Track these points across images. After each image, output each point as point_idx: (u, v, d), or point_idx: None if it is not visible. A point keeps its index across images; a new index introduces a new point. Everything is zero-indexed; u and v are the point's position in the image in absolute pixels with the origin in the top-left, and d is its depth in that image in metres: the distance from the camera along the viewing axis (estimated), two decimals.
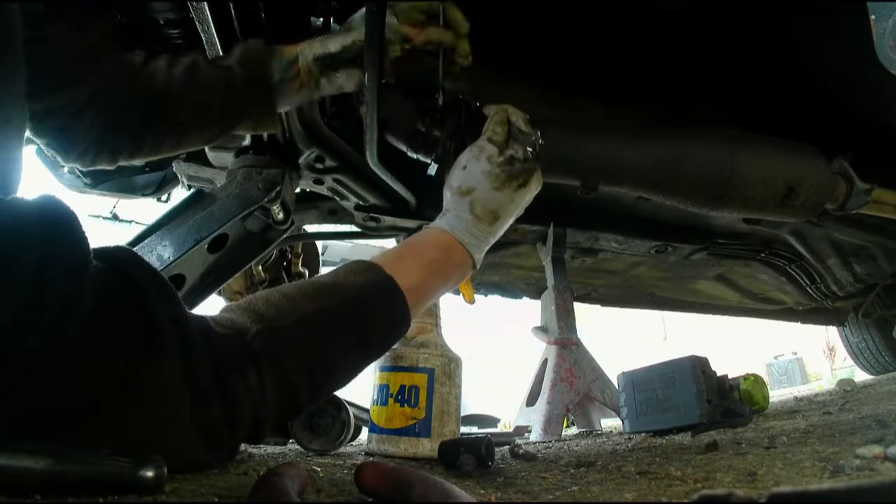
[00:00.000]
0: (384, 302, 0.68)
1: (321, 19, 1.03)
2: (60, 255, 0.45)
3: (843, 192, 1.13)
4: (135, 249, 1.13)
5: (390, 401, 1.08)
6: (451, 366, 1.14)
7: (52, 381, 0.43)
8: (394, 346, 1.14)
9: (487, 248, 0.83)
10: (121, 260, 0.52)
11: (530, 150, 0.84)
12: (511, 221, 0.85)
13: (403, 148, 1.02)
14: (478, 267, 0.82)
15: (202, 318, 0.56)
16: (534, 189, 0.86)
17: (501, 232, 0.84)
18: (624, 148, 1.05)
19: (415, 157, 1.01)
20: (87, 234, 0.48)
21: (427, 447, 1.02)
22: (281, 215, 1.22)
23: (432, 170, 0.98)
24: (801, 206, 1.11)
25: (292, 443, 1.15)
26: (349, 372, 0.66)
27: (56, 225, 0.46)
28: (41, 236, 0.44)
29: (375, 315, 0.67)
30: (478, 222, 0.80)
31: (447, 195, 0.84)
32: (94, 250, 0.50)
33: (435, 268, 0.76)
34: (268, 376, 0.55)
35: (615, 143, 1.06)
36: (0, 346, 0.40)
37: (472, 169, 0.82)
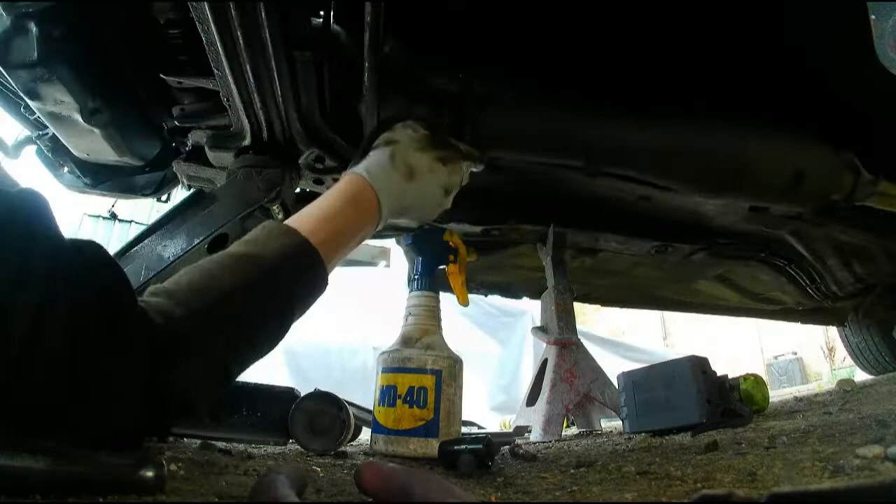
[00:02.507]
0: (303, 267, 0.69)
1: (321, 19, 1.03)
2: (42, 249, 0.46)
3: (850, 183, 1.13)
4: (135, 249, 1.13)
5: (398, 402, 1.08)
6: (456, 367, 1.14)
7: (34, 369, 0.44)
8: (399, 349, 1.15)
9: (397, 205, 0.84)
10: (88, 253, 0.54)
11: (458, 143, 0.92)
12: (425, 195, 0.87)
13: None
14: (384, 221, 0.82)
15: (141, 307, 0.57)
16: (452, 174, 0.90)
17: (415, 198, 0.86)
18: (629, 128, 1.03)
19: None
20: (59, 225, 0.50)
21: (436, 447, 1.02)
22: (281, 215, 1.22)
23: None
24: (808, 193, 1.10)
25: (292, 443, 1.15)
26: (274, 340, 0.67)
27: (36, 218, 0.48)
28: (24, 230, 0.46)
29: (295, 282, 0.69)
30: (394, 171, 0.83)
31: (374, 146, 0.88)
32: (70, 240, 0.52)
33: (348, 219, 0.77)
34: (195, 359, 0.57)
35: (620, 123, 1.03)
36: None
37: (398, 130, 0.89)
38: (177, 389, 0.55)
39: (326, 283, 0.72)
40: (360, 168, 0.82)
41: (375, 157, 0.84)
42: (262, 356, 0.66)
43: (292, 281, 0.68)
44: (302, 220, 0.73)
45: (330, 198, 0.78)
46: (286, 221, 0.73)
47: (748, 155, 1.04)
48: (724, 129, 1.05)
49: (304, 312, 0.72)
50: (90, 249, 0.54)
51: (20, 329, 0.43)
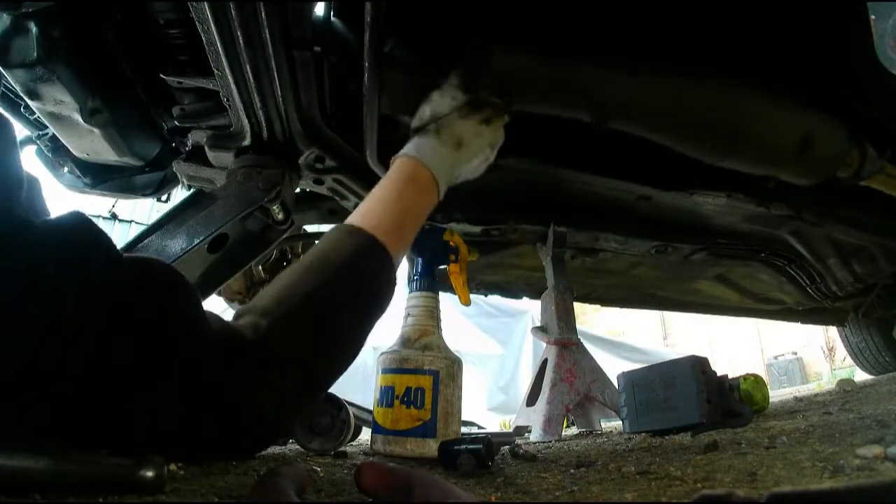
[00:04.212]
0: (374, 264, 0.69)
1: (321, 18, 1.03)
2: (75, 278, 0.45)
3: (857, 159, 1.12)
4: (135, 249, 1.13)
5: (396, 402, 1.08)
6: (454, 367, 1.14)
7: (65, 391, 0.43)
8: (397, 349, 1.15)
9: (452, 177, 0.85)
10: (151, 271, 0.53)
11: (497, 99, 0.92)
12: (473, 158, 0.87)
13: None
14: (441, 196, 0.83)
15: (228, 327, 0.56)
16: (496, 131, 0.91)
17: (465, 164, 0.86)
18: (637, 84, 1.02)
19: None
20: (109, 248, 0.48)
21: (433, 448, 1.03)
22: (281, 215, 1.22)
23: None
24: (815, 160, 1.08)
25: (292, 443, 1.15)
26: (358, 341, 0.67)
27: (74, 246, 0.46)
28: (57, 257, 0.44)
29: (369, 278, 0.68)
30: (441, 146, 0.83)
31: (414, 125, 0.88)
32: (130, 258, 0.51)
33: (409, 202, 0.77)
34: (289, 370, 0.56)
35: (628, 78, 1.02)
36: (25, 359, 0.41)
37: (437, 101, 0.88)
38: (272, 403, 0.54)
39: (395, 278, 0.72)
40: (410, 150, 0.81)
41: (420, 137, 0.84)
42: (349, 362, 0.66)
43: (366, 277, 0.68)
44: (365, 215, 0.73)
45: (387, 186, 0.78)
46: (352, 218, 0.72)
47: (755, 115, 1.03)
48: (732, 89, 1.04)
49: (381, 312, 0.71)
50: (158, 271, 0.53)
51: (87, 355, 0.43)
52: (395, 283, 0.72)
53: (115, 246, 0.49)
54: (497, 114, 0.91)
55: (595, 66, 1.03)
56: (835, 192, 1.29)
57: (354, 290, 0.66)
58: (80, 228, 0.48)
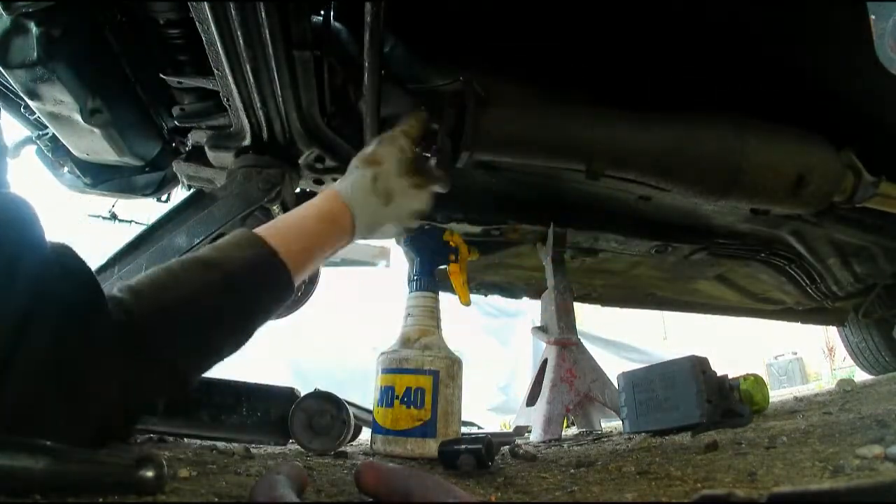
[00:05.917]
0: (267, 278, 0.70)
1: (321, 17, 1.03)
2: (31, 256, 0.48)
3: (851, 184, 1.13)
4: (135, 249, 1.13)
5: (396, 402, 1.08)
6: (455, 367, 1.14)
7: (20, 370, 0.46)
8: (397, 349, 1.15)
9: (370, 224, 0.83)
10: (65, 258, 0.55)
11: (441, 160, 0.93)
12: (397, 213, 0.86)
13: None
14: (356, 238, 0.83)
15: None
16: (425, 200, 0.89)
17: (384, 216, 0.85)
18: (631, 131, 1.03)
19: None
20: (38, 229, 0.51)
21: (433, 447, 1.03)
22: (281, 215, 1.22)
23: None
24: (810, 195, 1.09)
25: (292, 443, 1.15)
26: (232, 344, 0.68)
27: (28, 225, 0.49)
28: (15, 237, 0.48)
29: (256, 291, 0.70)
30: (372, 195, 0.82)
31: (354, 161, 0.86)
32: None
33: (322, 235, 0.78)
34: (146, 360, 0.58)
35: (621, 126, 1.03)
36: None
37: (386, 146, 0.86)
38: (113, 390, 0.55)
39: (291, 292, 0.73)
40: (345, 188, 0.82)
41: (357, 177, 0.83)
42: (220, 359, 0.68)
43: (253, 290, 0.69)
44: (276, 231, 0.74)
45: (307, 213, 0.79)
46: (261, 229, 0.73)
47: (749, 158, 1.04)
48: (724, 131, 1.05)
49: (266, 320, 0.73)
50: (66, 254, 0.55)
51: (8, 331, 0.45)
52: (288, 297, 0.73)
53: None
54: (427, 184, 0.88)
55: (587, 117, 1.03)
56: None
57: (238, 297, 0.67)
58: (22, 210, 0.50)
